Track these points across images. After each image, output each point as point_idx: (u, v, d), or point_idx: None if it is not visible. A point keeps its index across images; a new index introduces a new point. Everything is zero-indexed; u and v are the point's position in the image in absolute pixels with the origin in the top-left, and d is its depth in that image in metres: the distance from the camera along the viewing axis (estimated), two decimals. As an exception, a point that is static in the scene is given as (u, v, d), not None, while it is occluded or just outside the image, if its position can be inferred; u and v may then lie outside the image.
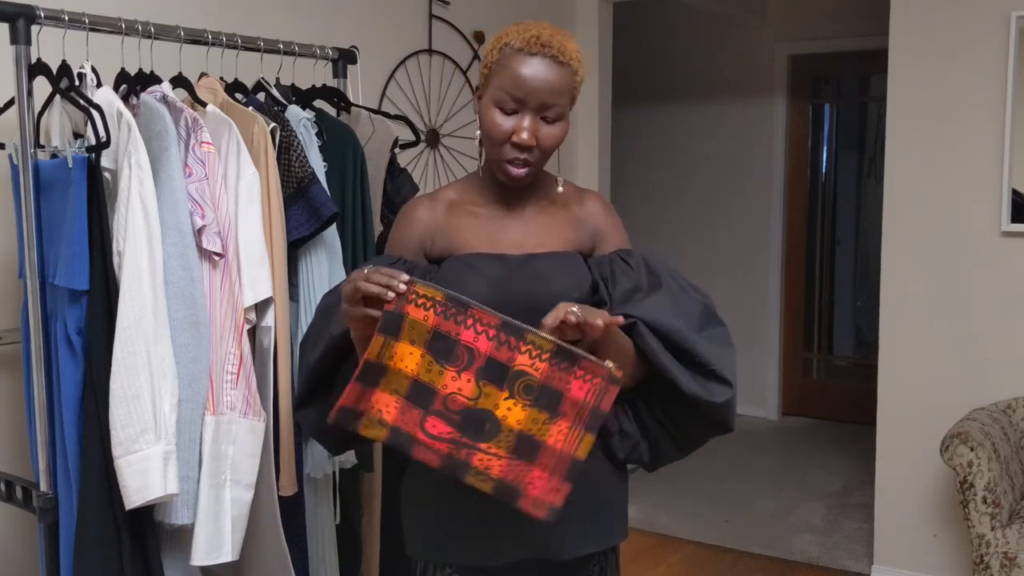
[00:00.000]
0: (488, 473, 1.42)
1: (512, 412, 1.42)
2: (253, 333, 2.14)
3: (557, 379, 1.41)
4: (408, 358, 1.42)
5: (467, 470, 1.42)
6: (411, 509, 1.69)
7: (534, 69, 1.51)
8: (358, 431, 1.45)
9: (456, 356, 1.41)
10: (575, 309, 1.40)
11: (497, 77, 1.54)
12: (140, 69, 2.14)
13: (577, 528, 1.60)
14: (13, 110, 1.98)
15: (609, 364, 1.41)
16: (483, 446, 1.41)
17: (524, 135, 1.52)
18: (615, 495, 1.68)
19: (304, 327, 2.24)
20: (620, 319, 1.47)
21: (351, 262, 2.36)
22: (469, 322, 1.41)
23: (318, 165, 2.31)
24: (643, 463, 1.68)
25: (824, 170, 5.89)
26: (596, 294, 1.61)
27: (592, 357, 1.42)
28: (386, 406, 1.43)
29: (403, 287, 1.38)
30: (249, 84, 2.39)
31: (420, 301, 1.40)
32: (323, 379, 1.62)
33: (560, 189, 1.67)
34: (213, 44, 2.26)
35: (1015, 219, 3.25)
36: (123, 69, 2.13)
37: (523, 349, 1.41)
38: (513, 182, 1.59)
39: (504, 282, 1.56)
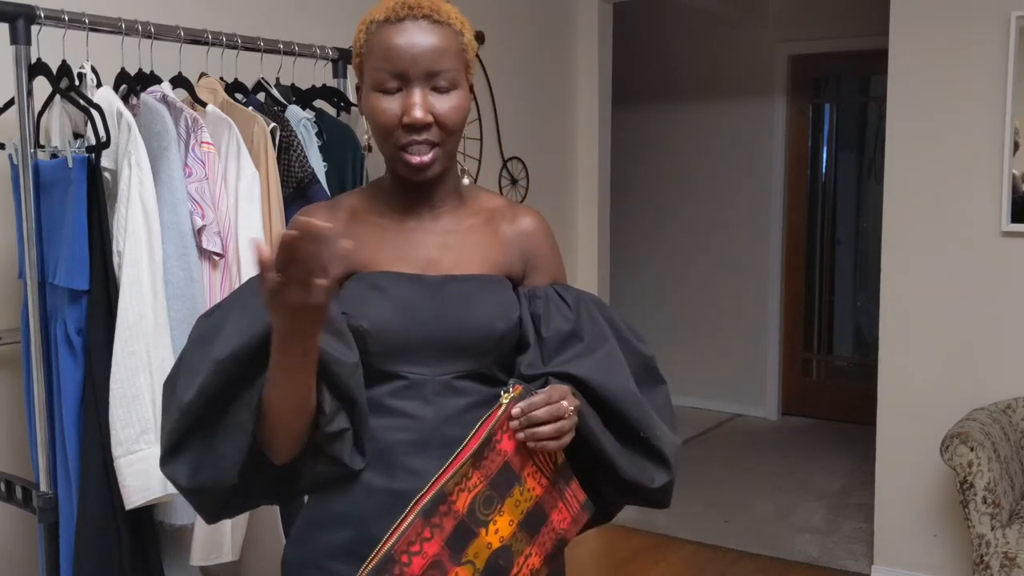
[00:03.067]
0: None
1: (499, 531, 1.26)
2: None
3: (549, 500, 1.30)
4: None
5: None
6: None
7: (407, 35, 1.28)
8: None
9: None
10: (570, 408, 1.26)
11: (370, 60, 1.31)
12: (140, 69, 2.14)
13: None
14: (13, 110, 1.98)
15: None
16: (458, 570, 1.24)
17: (416, 112, 1.27)
18: None
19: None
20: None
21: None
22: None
23: (318, 165, 2.31)
24: None
25: (824, 170, 5.89)
26: (520, 329, 1.38)
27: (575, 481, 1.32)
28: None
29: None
30: (249, 84, 2.39)
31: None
32: (200, 419, 1.25)
33: (466, 181, 1.43)
34: (213, 44, 2.26)
35: (1015, 219, 3.25)
36: (123, 69, 2.13)
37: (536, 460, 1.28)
38: (419, 174, 1.32)
39: (414, 307, 1.32)
